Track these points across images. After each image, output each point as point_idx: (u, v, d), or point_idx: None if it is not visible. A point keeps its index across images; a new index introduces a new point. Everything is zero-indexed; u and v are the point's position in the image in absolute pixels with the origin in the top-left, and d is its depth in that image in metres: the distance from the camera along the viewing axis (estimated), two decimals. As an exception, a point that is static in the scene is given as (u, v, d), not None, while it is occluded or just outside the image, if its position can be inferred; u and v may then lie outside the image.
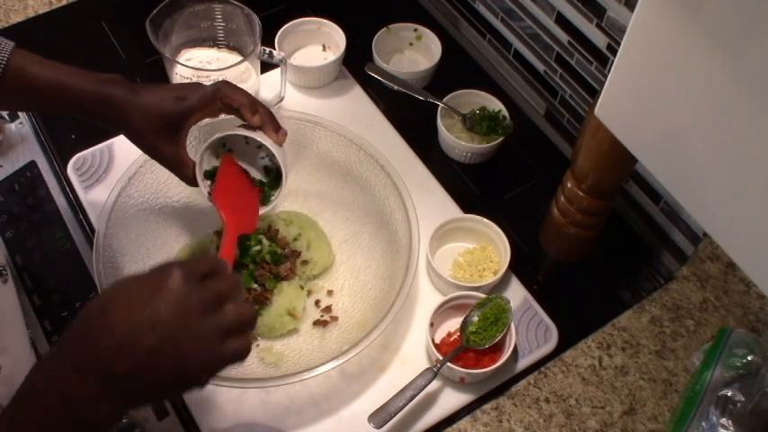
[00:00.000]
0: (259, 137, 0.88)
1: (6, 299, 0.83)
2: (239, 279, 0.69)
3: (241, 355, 0.65)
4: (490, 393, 0.94)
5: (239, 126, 0.89)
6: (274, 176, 0.94)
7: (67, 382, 0.57)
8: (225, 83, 0.86)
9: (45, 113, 1.13)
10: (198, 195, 0.99)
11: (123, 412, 0.60)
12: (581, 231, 1.01)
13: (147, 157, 0.91)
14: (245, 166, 0.94)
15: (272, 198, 0.93)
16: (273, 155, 0.89)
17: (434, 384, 0.91)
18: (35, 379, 0.59)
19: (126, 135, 0.87)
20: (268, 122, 0.88)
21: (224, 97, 0.85)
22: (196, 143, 0.98)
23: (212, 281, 0.63)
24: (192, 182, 0.90)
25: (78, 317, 0.61)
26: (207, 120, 0.90)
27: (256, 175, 0.95)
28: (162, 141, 0.85)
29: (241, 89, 0.87)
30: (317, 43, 1.23)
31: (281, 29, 1.18)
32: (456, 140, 1.11)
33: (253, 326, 0.67)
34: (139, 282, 0.62)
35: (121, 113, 0.83)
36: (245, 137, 0.90)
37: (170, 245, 1.00)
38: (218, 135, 0.89)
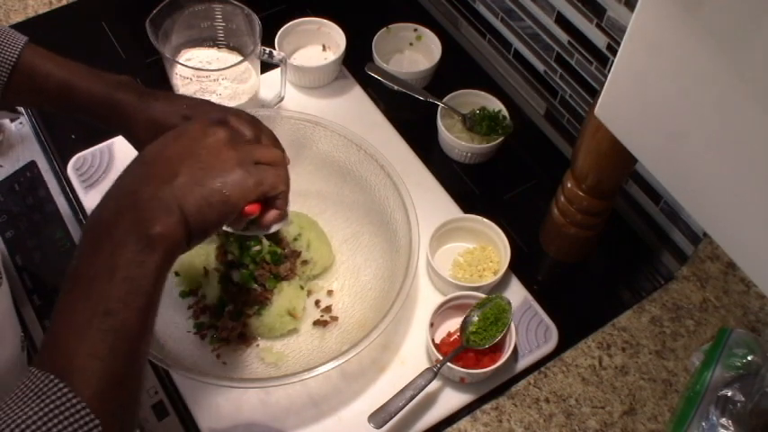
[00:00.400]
0: None
1: (0, 303, 0.83)
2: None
3: (277, 179, 0.73)
4: (490, 393, 0.94)
5: None
6: None
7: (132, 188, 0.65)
8: (234, 115, 0.81)
9: (50, 111, 1.12)
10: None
11: (188, 236, 0.66)
12: (581, 231, 1.01)
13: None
14: None
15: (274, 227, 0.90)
16: None
17: (434, 384, 0.91)
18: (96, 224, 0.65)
19: (129, 141, 0.86)
20: None
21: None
22: None
23: None
24: None
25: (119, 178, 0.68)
26: None
27: None
28: None
29: (249, 122, 0.82)
30: (317, 43, 1.23)
31: (281, 29, 1.18)
32: (456, 140, 1.11)
33: (282, 162, 0.76)
34: (166, 135, 0.71)
35: (126, 120, 0.83)
36: None
37: (170, 245, 1.00)
38: None
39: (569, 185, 0.97)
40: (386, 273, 0.97)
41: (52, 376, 0.56)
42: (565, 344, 0.98)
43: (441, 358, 0.90)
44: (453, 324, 0.97)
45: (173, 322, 0.94)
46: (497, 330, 0.92)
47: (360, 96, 1.20)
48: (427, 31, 1.23)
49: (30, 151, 1.11)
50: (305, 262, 0.99)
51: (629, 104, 0.67)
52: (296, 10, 1.26)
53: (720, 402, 0.86)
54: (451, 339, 0.95)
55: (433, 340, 0.93)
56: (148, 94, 0.84)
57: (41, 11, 1.28)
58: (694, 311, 1.01)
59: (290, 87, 1.18)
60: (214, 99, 0.97)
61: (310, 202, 1.06)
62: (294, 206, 1.05)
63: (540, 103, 1.18)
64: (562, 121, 1.15)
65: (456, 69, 1.24)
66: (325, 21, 1.20)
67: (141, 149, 0.84)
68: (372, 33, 1.20)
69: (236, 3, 1.07)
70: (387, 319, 0.88)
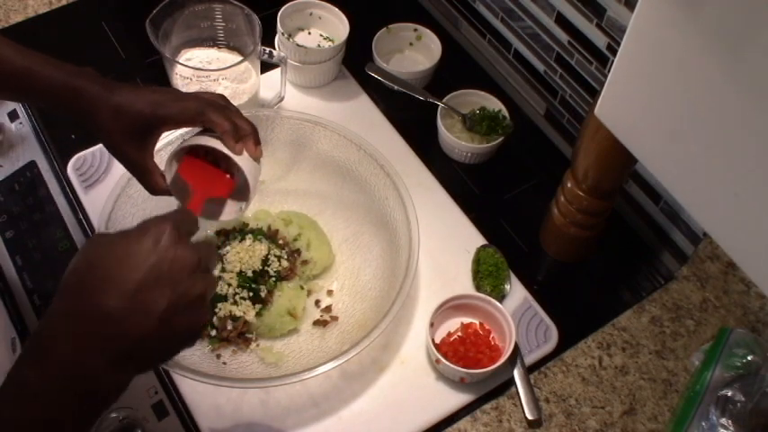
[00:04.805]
0: (219, 146, 0.80)
1: None
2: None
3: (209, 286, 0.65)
4: (490, 393, 0.94)
5: (204, 135, 0.82)
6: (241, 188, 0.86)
7: (73, 355, 0.57)
8: (211, 106, 0.80)
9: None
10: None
11: (131, 378, 0.60)
12: (581, 231, 1.01)
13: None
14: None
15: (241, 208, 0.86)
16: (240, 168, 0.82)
17: (434, 384, 0.91)
18: (31, 355, 0.58)
19: (92, 131, 0.82)
20: (249, 140, 0.82)
21: (207, 121, 0.80)
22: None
23: (196, 246, 0.64)
24: (154, 190, 0.84)
25: (64, 286, 0.59)
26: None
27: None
28: (129, 144, 0.80)
29: (226, 114, 0.80)
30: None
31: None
32: (456, 140, 1.11)
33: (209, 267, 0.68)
34: (129, 243, 0.61)
35: (90, 107, 0.79)
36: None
37: (170, 245, 1.00)
38: (185, 144, 0.82)
39: (569, 185, 0.97)
40: (386, 273, 0.97)
41: None
42: (565, 344, 0.98)
43: (441, 358, 0.90)
44: (453, 324, 0.97)
45: (173, 322, 0.94)
46: (500, 279, 1.00)
47: (360, 96, 1.20)
48: (427, 31, 1.23)
49: (30, 151, 1.11)
50: (305, 262, 0.99)
51: (629, 104, 0.67)
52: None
53: (720, 402, 0.86)
54: (451, 339, 0.95)
55: (433, 340, 0.93)
56: (113, 83, 0.80)
57: (41, 11, 1.28)
58: (694, 311, 1.01)
59: (290, 87, 1.18)
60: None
61: (310, 202, 1.06)
62: (294, 206, 1.06)
63: (540, 103, 1.18)
64: (562, 121, 1.15)
65: (456, 69, 1.24)
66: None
67: (105, 141, 0.81)
68: (372, 33, 1.20)
69: (236, 3, 1.07)
70: (387, 319, 0.88)
